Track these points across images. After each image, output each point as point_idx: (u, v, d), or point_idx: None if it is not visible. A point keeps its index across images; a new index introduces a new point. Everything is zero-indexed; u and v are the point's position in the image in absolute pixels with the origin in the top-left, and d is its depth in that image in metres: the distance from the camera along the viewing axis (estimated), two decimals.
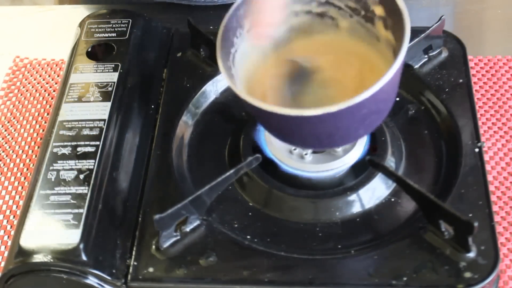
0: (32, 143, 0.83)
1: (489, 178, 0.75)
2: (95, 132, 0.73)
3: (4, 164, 0.81)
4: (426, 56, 0.81)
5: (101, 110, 0.75)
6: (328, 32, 0.72)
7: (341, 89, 0.69)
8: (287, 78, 0.71)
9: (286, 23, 0.72)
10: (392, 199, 0.71)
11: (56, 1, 1.07)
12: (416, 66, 0.80)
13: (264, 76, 0.71)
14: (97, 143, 0.72)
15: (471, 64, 0.85)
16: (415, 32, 0.79)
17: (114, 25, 0.83)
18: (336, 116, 0.61)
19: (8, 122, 0.86)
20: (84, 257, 0.65)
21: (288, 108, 0.62)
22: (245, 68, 0.70)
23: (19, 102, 0.88)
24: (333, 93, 0.70)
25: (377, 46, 0.69)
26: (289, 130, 0.66)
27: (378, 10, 0.68)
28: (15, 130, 0.85)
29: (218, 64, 0.66)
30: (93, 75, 0.78)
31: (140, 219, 0.70)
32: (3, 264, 0.68)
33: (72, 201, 0.68)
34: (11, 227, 0.76)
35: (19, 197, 0.78)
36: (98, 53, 0.81)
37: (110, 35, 0.82)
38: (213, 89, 0.81)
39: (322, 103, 0.61)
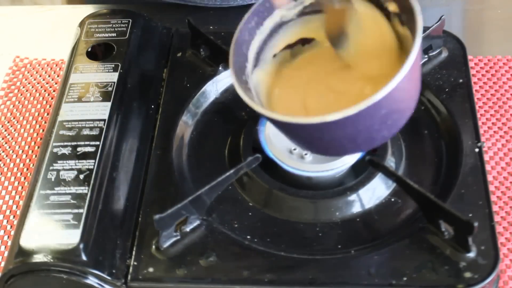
0: (32, 143, 0.83)
1: (489, 178, 0.75)
2: (95, 132, 0.73)
3: (4, 164, 0.81)
4: (426, 56, 0.81)
5: (101, 110, 0.75)
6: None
7: (362, 87, 0.68)
8: (305, 80, 0.70)
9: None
10: (392, 199, 0.71)
11: (64, 0, 1.07)
12: None
13: (277, 82, 0.70)
14: (97, 143, 0.72)
15: (471, 64, 0.85)
16: None
17: (114, 25, 0.83)
18: (354, 119, 0.59)
19: (8, 122, 0.85)
20: (84, 257, 0.65)
21: (306, 116, 0.61)
22: (259, 78, 0.69)
23: (19, 102, 0.87)
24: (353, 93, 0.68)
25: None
26: (310, 137, 0.65)
27: (392, 7, 0.67)
28: (15, 130, 0.85)
29: (232, 79, 0.64)
30: (93, 75, 0.78)
31: (140, 219, 0.70)
32: (3, 264, 0.68)
33: (72, 201, 0.68)
34: (11, 227, 0.76)
35: (19, 197, 0.78)
36: (98, 53, 0.81)
37: (110, 35, 0.82)
38: (213, 89, 0.81)
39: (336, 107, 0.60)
